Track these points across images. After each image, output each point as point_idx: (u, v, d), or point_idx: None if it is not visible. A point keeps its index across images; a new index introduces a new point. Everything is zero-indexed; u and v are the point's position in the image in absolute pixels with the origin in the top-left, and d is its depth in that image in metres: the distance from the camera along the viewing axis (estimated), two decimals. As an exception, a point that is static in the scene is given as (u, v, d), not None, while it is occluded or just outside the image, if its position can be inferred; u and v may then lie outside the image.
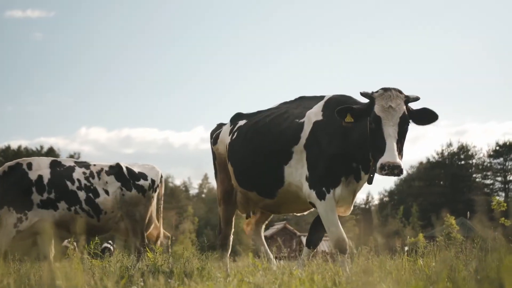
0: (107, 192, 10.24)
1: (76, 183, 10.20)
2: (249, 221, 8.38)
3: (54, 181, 10.12)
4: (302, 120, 6.95)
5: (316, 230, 7.10)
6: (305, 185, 6.73)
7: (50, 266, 8.22)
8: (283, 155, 6.96)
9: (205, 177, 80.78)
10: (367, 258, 6.06)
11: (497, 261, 2.89)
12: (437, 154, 75.38)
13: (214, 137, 8.39)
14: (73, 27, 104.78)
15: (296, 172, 6.86)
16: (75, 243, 12.34)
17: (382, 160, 5.84)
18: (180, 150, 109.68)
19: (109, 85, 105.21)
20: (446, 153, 75.05)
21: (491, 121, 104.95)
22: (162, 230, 11.51)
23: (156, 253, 7.82)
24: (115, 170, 10.54)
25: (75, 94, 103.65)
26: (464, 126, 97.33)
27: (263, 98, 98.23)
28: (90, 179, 10.30)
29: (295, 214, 7.96)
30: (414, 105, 6.31)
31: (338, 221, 6.59)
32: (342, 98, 6.85)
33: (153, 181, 10.79)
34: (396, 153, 5.86)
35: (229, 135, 7.90)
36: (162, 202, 11.45)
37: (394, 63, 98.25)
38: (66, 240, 13.07)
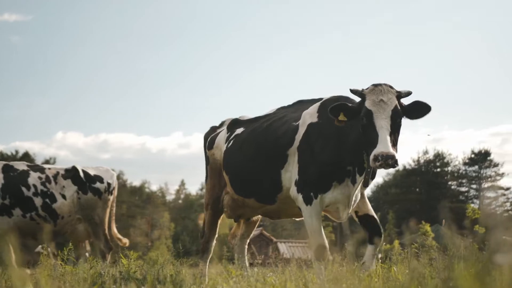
0: (64, 197, 10.14)
1: (32, 189, 10.06)
2: (234, 234, 8.34)
3: (8, 187, 9.97)
4: (297, 122, 6.82)
5: (370, 224, 6.77)
6: (293, 189, 6.61)
7: (20, 272, 8.10)
8: (279, 159, 6.82)
9: (182, 183, 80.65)
10: (341, 265, 6.04)
11: (469, 269, 2.90)
12: (413, 161, 75.92)
13: (210, 141, 8.27)
14: (50, 31, 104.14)
15: (291, 175, 6.73)
16: (49, 249, 12.18)
17: (375, 151, 5.66)
18: (158, 155, 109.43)
19: (86, 89, 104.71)
20: (422, 161, 75.60)
21: (468, 129, 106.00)
22: (115, 232, 11.46)
23: (131, 259, 7.75)
24: (72, 173, 10.44)
25: (53, 99, 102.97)
26: (441, 133, 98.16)
27: (241, 104, 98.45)
28: (47, 184, 10.17)
29: (294, 219, 7.80)
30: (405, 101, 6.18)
31: (322, 228, 6.49)
32: (340, 99, 6.62)
33: (109, 184, 10.73)
34: (390, 144, 5.70)
35: (225, 142, 7.80)
36: (115, 204, 11.37)
37: (373, 68, 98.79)
38: (40, 246, 12.94)
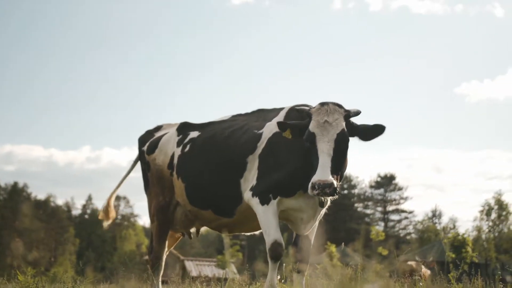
0: None
1: None
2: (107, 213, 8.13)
3: None
4: (261, 131, 6.52)
5: (302, 248, 6.40)
6: (248, 193, 6.33)
7: None
8: (239, 167, 6.51)
9: (89, 198, 78.92)
10: (242, 284, 6.05)
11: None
12: (322, 183, 77.12)
13: (149, 145, 7.76)
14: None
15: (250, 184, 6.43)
16: None
17: (313, 178, 5.41)
18: (65, 169, 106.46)
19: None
20: (330, 182, 76.92)
21: (375, 153, 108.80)
22: None
23: (28, 275, 7.51)
24: None
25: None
26: (349, 156, 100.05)
27: (152, 119, 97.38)
28: None
29: (245, 234, 7.37)
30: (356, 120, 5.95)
31: (278, 224, 6.16)
32: (303, 107, 6.28)
33: None
34: (329, 171, 5.42)
35: (178, 146, 7.33)
36: None
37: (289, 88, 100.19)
38: None
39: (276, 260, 6.04)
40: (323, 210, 6.42)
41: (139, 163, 8.09)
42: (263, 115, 6.90)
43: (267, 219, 6.16)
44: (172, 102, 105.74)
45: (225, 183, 6.67)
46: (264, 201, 6.17)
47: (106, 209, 8.43)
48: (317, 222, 6.52)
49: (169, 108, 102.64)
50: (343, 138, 5.69)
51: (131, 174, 8.28)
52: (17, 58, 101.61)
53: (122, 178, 8.40)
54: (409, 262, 17.27)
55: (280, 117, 6.56)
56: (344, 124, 5.72)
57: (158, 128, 8.11)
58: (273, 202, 6.15)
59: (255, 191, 6.28)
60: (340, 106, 5.82)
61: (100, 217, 8.45)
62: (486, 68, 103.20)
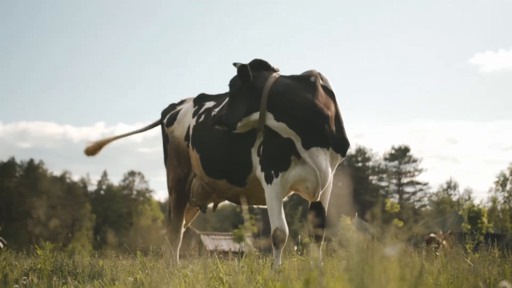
0: None
1: None
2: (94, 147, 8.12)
3: None
4: None
5: (314, 218, 6.29)
6: (258, 168, 6.33)
7: None
8: (250, 136, 6.45)
9: (105, 174, 79.42)
10: (258, 257, 6.06)
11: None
12: (336, 156, 77.10)
13: (169, 117, 7.84)
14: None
15: None
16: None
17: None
18: (80, 145, 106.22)
19: (5, 75, 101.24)
20: (344, 155, 76.87)
21: (389, 125, 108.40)
22: None
23: (47, 250, 7.57)
24: None
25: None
26: (363, 129, 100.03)
27: (164, 95, 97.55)
28: None
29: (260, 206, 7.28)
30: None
31: (282, 209, 6.18)
32: (288, 75, 6.39)
33: None
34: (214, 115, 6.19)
35: (194, 117, 7.36)
36: None
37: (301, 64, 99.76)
38: None
39: (279, 247, 6.07)
40: (331, 176, 6.37)
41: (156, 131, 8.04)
42: None
43: (271, 203, 6.18)
44: (186, 77, 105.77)
45: (237, 152, 6.63)
46: (268, 180, 6.19)
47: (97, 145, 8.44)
48: (327, 188, 6.46)
49: (183, 84, 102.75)
50: None
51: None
52: (30, 34, 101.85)
53: (131, 132, 8.69)
54: (431, 235, 17.30)
55: None
56: None
57: (182, 102, 8.12)
58: (276, 182, 6.15)
59: (262, 164, 6.30)
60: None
61: (86, 149, 8.36)
62: (500, 38, 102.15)
